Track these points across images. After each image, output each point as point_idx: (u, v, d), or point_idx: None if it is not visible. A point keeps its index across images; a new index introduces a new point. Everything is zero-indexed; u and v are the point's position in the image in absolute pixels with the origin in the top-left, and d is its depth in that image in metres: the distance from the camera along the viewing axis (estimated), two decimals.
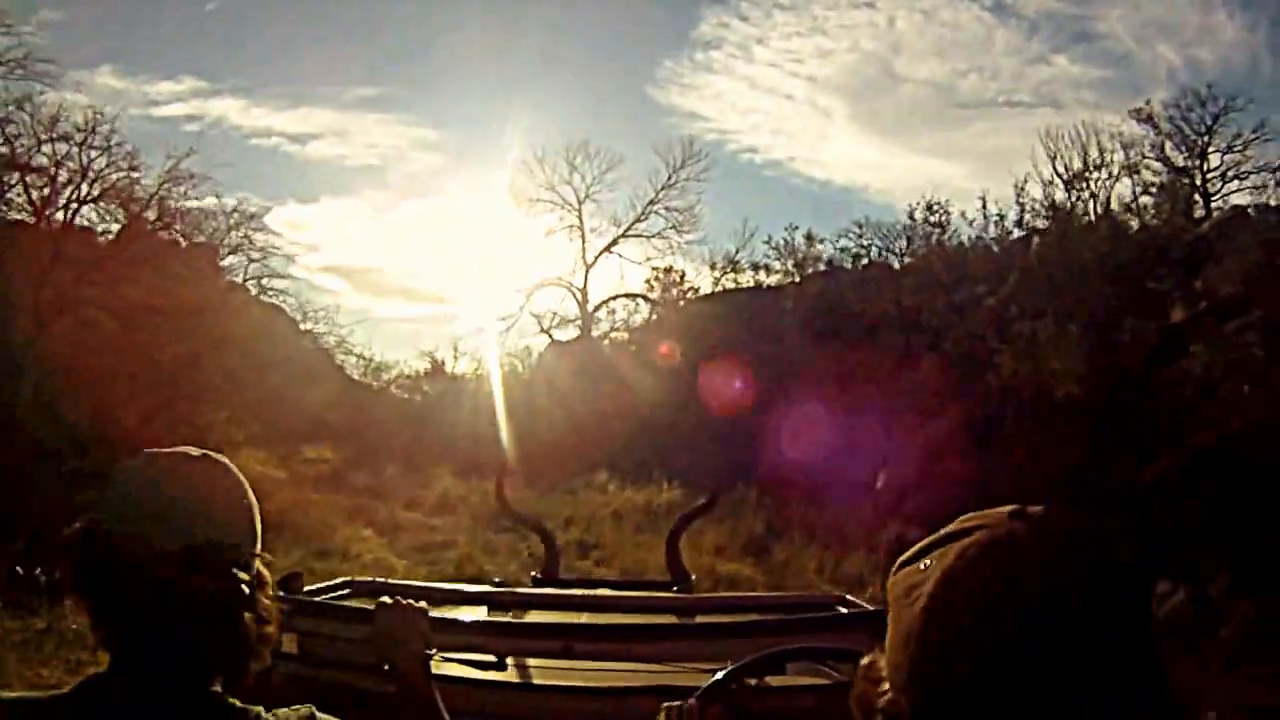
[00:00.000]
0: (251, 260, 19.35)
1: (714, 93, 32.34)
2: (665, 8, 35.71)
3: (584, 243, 24.23)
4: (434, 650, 1.57)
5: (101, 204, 16.45)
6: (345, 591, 2.72)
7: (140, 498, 1.11)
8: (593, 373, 20.71)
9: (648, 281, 24.03)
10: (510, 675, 2.10)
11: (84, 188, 16.12)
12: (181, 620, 1.07)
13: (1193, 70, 31.94)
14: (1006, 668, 0.68)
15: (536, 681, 2.13)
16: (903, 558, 0.80)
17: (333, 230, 34.52)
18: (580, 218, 24.26)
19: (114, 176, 16.18)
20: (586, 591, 3.06)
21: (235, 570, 1.12)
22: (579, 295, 23.85)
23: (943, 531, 0.78)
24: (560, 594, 3.00)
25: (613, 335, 23.95)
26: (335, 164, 35.22)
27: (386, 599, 1.62)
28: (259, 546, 1.20)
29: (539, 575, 3.48)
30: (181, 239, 17.62)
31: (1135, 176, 18.15)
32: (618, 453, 16.89)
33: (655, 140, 25.71)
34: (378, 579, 3.01)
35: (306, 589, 2.53)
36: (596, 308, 23.95)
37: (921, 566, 0.77)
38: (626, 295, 24.07)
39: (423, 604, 1.61)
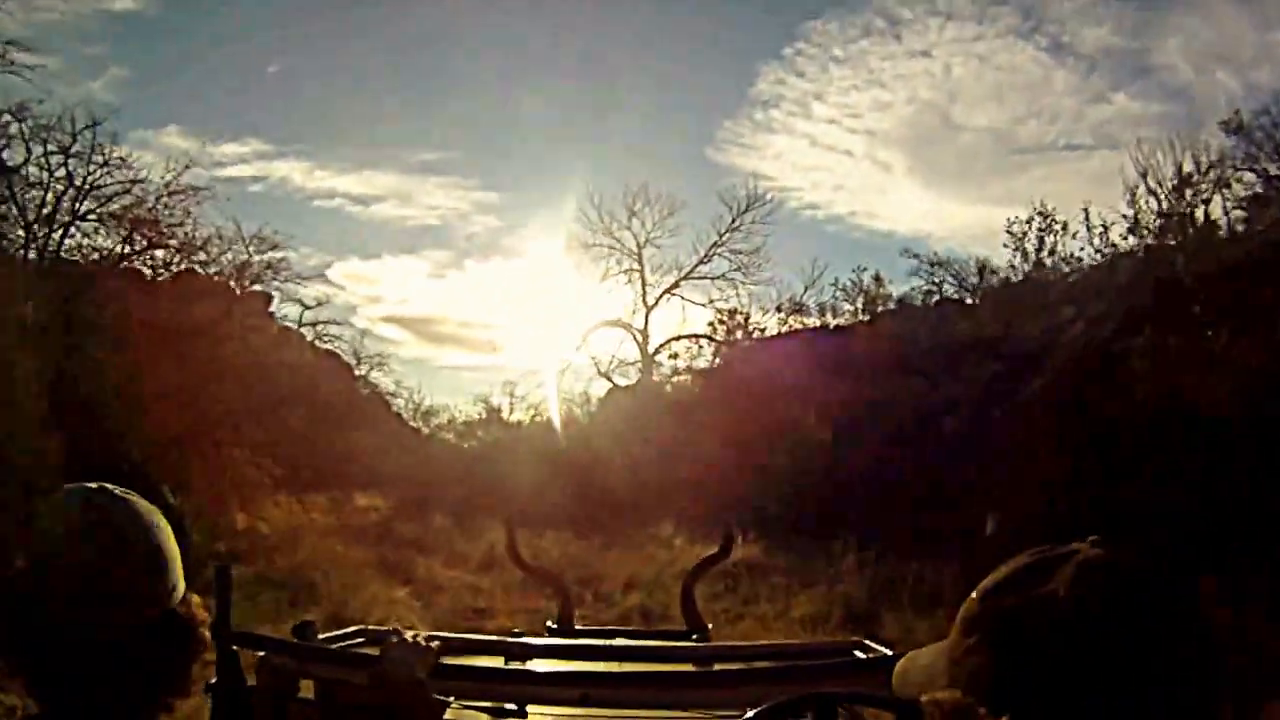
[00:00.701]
0: (274, 280, 18.20)
1: (774, 152, 31.60)
2: (723, 68, 35.56)
3: (644, 286, 23.34)
4: (451, 698, 1.76)
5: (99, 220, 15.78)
6: (359, 640, 2.66)
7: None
8: (655, 417, 19.52)
9: (711, 324, 23.03)
10: None
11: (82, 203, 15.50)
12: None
13: (1253, 95, 29.87)
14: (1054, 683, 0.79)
15: None
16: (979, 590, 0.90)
17: (394, 284, 35.22)
18: (640, 261, 23.43)
19: (112, 190, 15.59)
20: (603, 641, 3.07)
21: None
22: (639, 337, 22.84)
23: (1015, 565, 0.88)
24: (577, 644, 2.99)
25: (674, 379, 22.84)
26: (397, 224, 35.77)
27: (395, 638, 1.71)
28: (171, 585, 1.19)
29: (554, 625, 3.50)
30: (179, 256, 16.79)
31: (1227, 190, 16.36)
32: (684, 502, 15.56)
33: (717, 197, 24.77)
34: (395, 626, 2.64)
35: (321, 636, 2.50)
36: (658, 349, 22.91)
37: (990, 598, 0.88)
38: (689, 336, 22.97)
39: (435, 643, 1.73)
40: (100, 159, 15.26)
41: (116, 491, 1.18)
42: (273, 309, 27.32)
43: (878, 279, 21.21)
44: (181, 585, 1.20)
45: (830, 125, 30.96)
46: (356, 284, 39.12)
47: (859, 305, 21.25)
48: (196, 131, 26.47)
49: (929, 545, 10.63)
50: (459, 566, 12.45)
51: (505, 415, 23.44)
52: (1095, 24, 28.94)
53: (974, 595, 0.88)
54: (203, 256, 17.08)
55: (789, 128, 30.56)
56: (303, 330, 28.12)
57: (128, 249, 16.30)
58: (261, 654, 2.06)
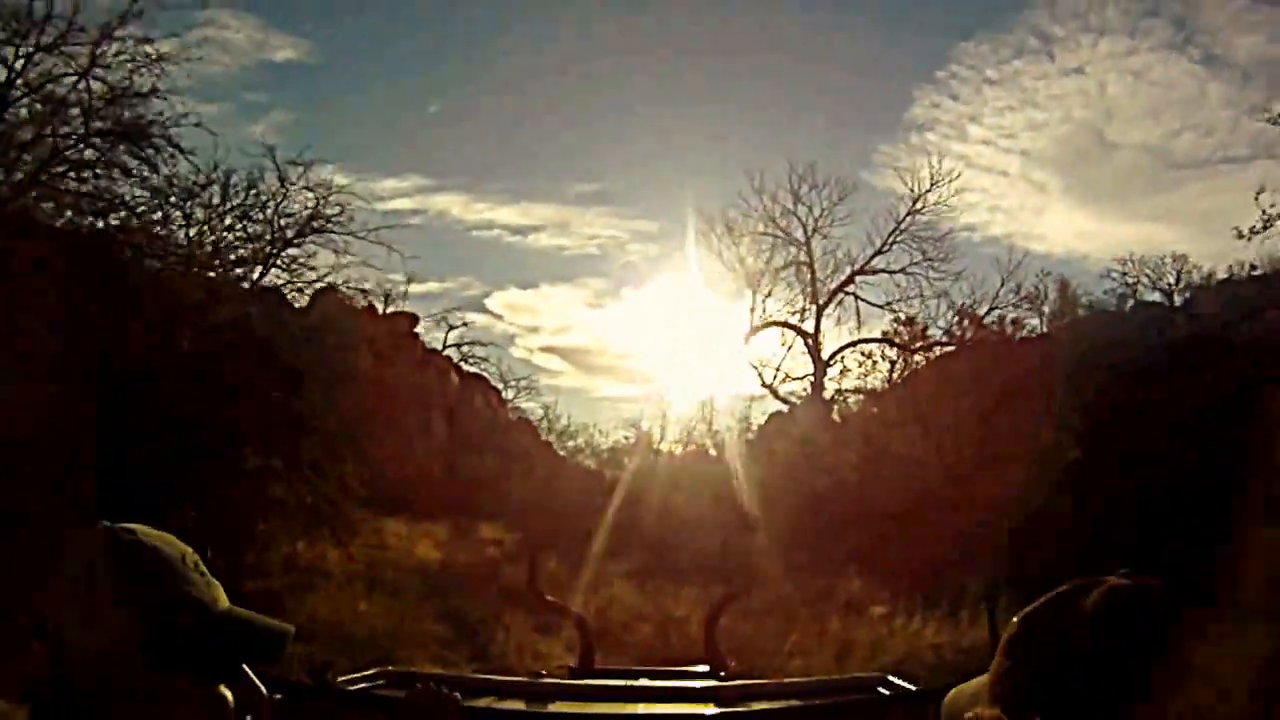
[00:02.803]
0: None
1: (930, 174, 29.53)
2: (878, 93, 35.59)
3: (813, 280, 19.74)
4: None
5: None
6: (381, 682, 2.62)
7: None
8: (831, 439, 15.99)
9: (885, 334, 19.26)
10: None
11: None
12: None
13: None
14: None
15: None
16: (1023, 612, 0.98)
17: (552, 313, 34.23)
18: (809, 252, 19.89)
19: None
20: (625, 682, 2.94)
21: None
22: (810, 341, 19.29)
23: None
24: (598, 684, 2.91)
25: (843, 397, 19.16)
26: (555, 255, 35.28)
27: (419, 685, 1.78)
28: None
29: (574, 666, 3.42)
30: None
31: None
32: (874, 545, 11.98)
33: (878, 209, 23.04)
34: (412, 669, 3.09)
35: (341, 679, 2.47)
36: (834, 355, 19.28)
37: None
38: (870, 340, 19.25)
39: (456, 694, 1.77)
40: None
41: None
42: (419, 330, 26.66)
43: (1064, 284, 19.58)
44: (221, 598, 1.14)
45: (985, 146, 29.07)
46: (515, 314, 38.77)
47: (1048, 312, 19.55)
48: (356, 169, 26.77)
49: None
50: (555, 635, 8.99)
51: (656, 442, 20.58)
52: (1248, 32, 27.31)
53: (1014, 620, 0.95)
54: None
55: (944, 150, 29.85)
56: (448, 353, 27.29)
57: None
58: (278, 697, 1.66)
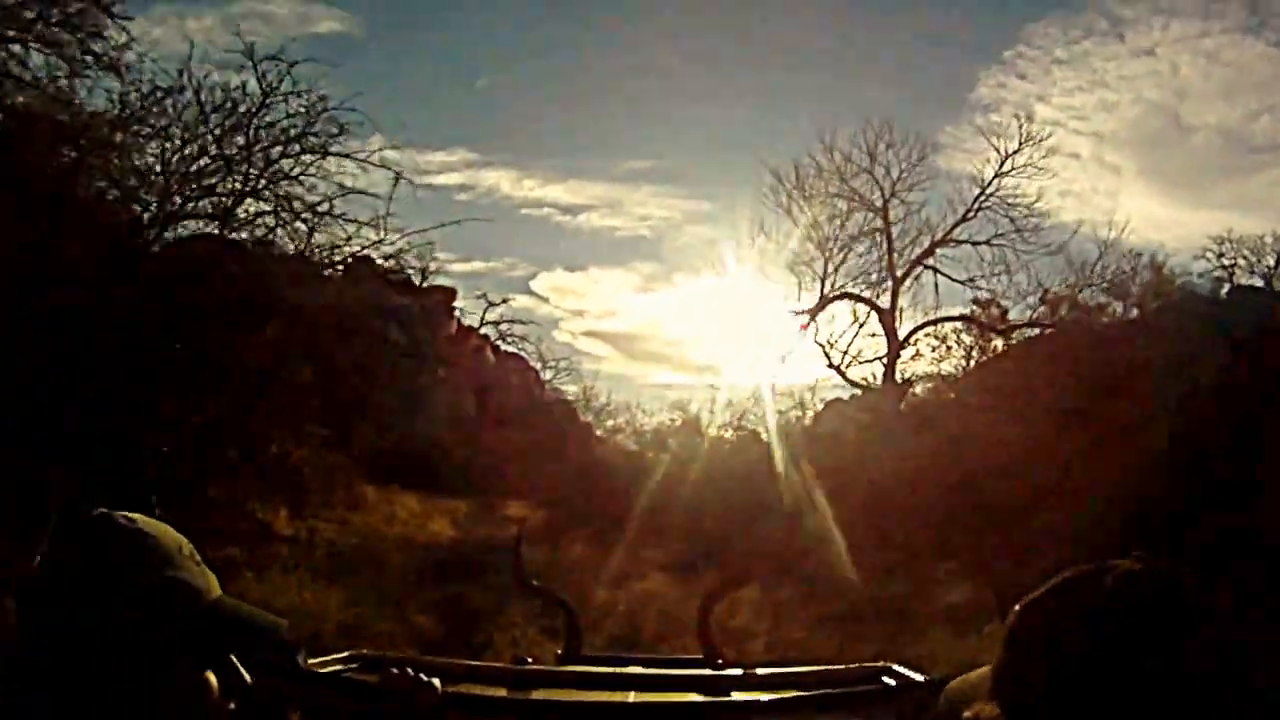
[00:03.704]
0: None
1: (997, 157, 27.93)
2: (941, 73, 33.78)
3: (889, 250, 17.53)
4: None
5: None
6: (354, 665, 2.41)
7: None
8: (909, 425, 13.92)
9: (964, 317, 17.02)
10: None
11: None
12: None
13: None
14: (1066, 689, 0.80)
15: None
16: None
17: (600, 297, 32.78)
18: (885, 217, 17.68)
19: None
20: (614, 669, 2.72)
21: None
22: (886, 318, 17.14)
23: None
24: (586, 671, 2.69)
25: (918, 380, 17.03)
26: (606, 235, 34.45)
27: (394, 669, 1.65)
28: None
29: (561, 652, 3.09)
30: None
31: None
32: (968, 544, 9.89)
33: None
34: (389, 653, 2.71)
35: (313, 661, 2.29)
36: (912, 333, 17.12)
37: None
38: (951, 318, 17.06)
39: (435, 681, 1.66)
40: None
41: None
42: (456, 305, 25.23)
43: (1158, 266, 16.87)
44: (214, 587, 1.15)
45: (1055, 128, 28.40)
46: (561, 297, 37.71)
47: (1138, 296, 16.88)
48: (404, 143, 25.43)
49: None
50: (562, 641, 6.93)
51: (705, 426, 18.67)
52: None
53: (1016, 609, 0.89)
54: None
55: (1013, 132, 27.81)
56: (485, 330, 25.81)
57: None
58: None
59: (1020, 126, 17.48)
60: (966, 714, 0.86)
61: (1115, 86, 27.75)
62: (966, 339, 16.83)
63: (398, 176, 11.90)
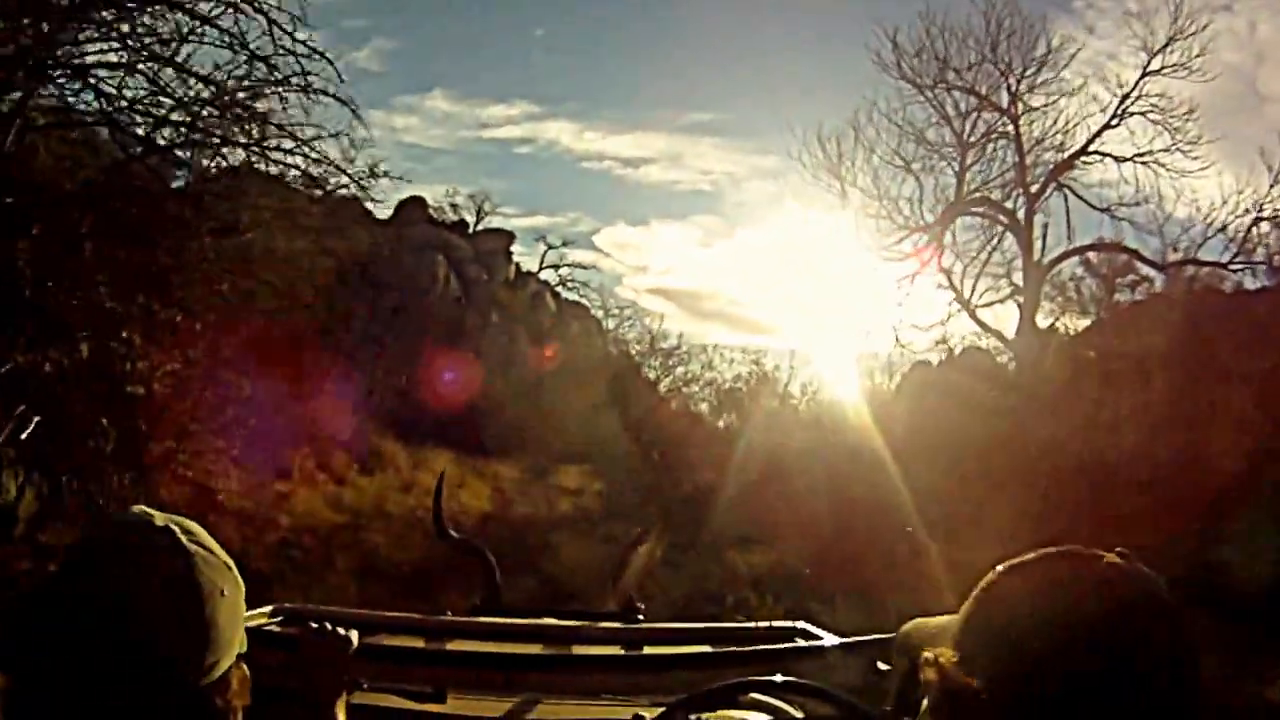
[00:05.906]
0: None
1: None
2: (1012, 24, 28.79)
3: (1021, 156, 14.50)
4: (364, 682, 1.65)
5: None
6: (279, 619, 2.46)
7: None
8: (1054, 385, 11.46)
9: (1124, 248, 14.03)
10: (450, 708, 2.00)
11: None
12: None
13: None
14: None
15: (476, 714, 2.05)
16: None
17: (662, 252, 31.34)
18: (1015, 119, 14.41)
19: None
20: (530, 621, 2.76)
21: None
22: (1022, 239, 14.31)
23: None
24: (503, 623, 2.70)
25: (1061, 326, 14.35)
26: (667, 189, 33.54)
27: (313, 624, 1.62)
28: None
29: (479, 603, 3.03)
30: None
31: None
32: (1152, 541, 7.61)
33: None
34: (309, 605, 2.73)
35: None
36: (1057, 260, 14.29)
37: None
38: (1107, 246, 14.15)
39: (351, 633, 1.61)
40: None
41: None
42: (514, 249, 23.37)
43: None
44: (225, 659, 0.99)
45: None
46: (623, 252, 37.02)
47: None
48: (462, 96, 24.00)
49: None
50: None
51: (782, 389, 16.43)
52: None
53: (996, 569, 0.89)
54: None
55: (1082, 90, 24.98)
56: (543, 275, 23.94)
57: None
58: None
59: (1173, 15, 13.88)
60: (927, 653, 0.87)
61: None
62: (1092, 285, 14.19)
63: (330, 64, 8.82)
